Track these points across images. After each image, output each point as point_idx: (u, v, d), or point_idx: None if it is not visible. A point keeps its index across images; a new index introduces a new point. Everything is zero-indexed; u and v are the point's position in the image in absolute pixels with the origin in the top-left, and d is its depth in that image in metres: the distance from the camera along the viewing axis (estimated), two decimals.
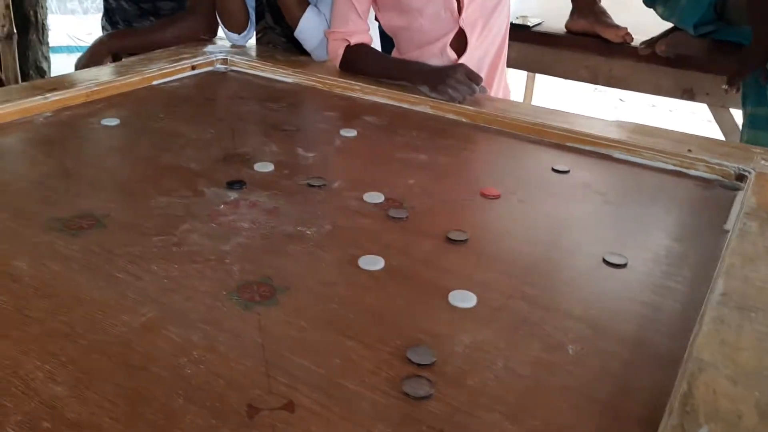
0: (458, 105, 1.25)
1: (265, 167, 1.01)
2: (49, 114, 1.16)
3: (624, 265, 0.80)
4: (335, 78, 1.39)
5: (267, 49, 1.62)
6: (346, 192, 0.95)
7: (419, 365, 0.61)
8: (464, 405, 0.57)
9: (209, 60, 1.47)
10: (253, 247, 0.80)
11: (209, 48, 1.54)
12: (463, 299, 0.71)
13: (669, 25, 1.87)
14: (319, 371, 0.61)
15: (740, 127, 1.79)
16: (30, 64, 2.35)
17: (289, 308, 0.69)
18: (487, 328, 0.68)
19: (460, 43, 1.41)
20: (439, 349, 0.64)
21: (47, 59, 2.50)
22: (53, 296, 0.69)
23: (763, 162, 1.06)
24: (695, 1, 1.72)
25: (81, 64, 1.49)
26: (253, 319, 0.67)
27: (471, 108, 1.25)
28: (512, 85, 1.62)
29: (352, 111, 1.29)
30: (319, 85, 1.39)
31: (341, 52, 1.42)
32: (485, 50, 1.45)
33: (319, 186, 0.96)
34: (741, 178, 1.02)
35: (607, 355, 0.65)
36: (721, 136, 2.07)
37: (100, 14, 1.76)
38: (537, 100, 2.92)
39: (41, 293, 0.69)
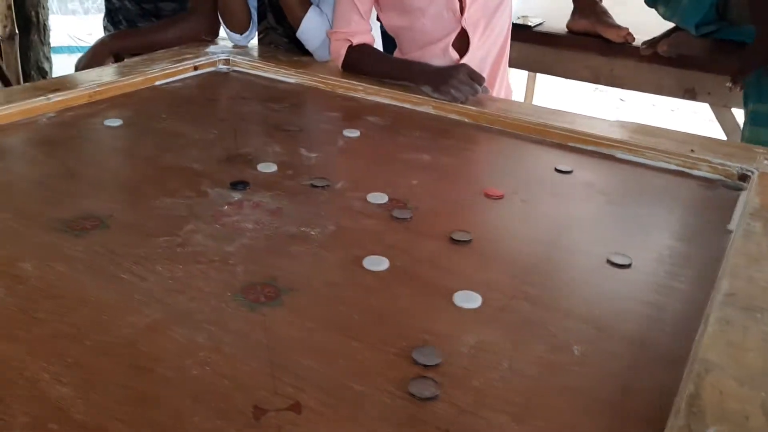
0: (461, 105, 1.25)
1: (268, 168, 1.01)
2: (52, 115, 1.16)
3: (628, 266, 0.80)
4: (337, 78, 1.39)
5: (269, 50, 1.62)
6: (350, 192, 0.95)
7: (425, 366, 0.61)
8: (470, 406, 0.57)
9: (211, 60, 1.47)
10: (257, 248, 0.80)
11: (211, 48, 1.54)
12: (468, 300, 0.71)
13: (670, 24, 1.87)
14: (325, 372, 0.61)
15: (741, 126, 1.79)
16: (31, 64, 2.35)
17: (294, 309, 0.69)
18: (492, 329, 0.68)
19: (462, 43, 1.41)
20: (445, 350, 0.64)
21: (49, 60, 2.50)
22: (58, 297, 0.69)
23: (765, 162, 1.06)
24: (697, 1, 1.72)
25: (82, 65, 1.48)
26: (258, 320, 0.67)
27: (473, 108, 1.25)
28: (513, 84, 1.62)
29: (354, 111, 1.29)
30: (321, 86, 1.39)
31: (343, 52, 1.42)
32: (487, 50, 1.45)
33: (322, 186, 0.96)
34: (744, 178, 1.02)
35: (612, 355, 0.65)
36: (722, 136, 2.07)
37: (101, 14, 1.76)
38: (537, 100, 2.92)
39: (47, 294, 0.69)
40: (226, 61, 1.49)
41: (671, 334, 0.69)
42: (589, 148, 1.13)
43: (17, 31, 2.15)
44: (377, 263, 0.77)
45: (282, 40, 1.63)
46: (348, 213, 0.90)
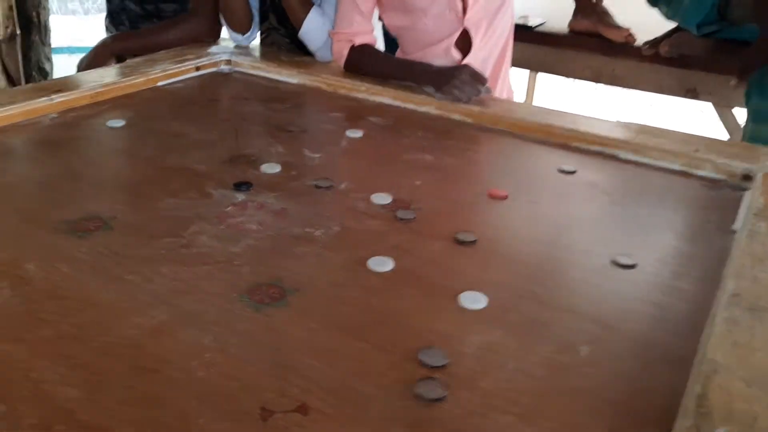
0: (463, 106, 1.25)
1: (271, 168, 1.01)
2: (54, 115, 1.16)
3: (633, 266, 0.80)
4: (340, 79, 1.39)
5: (271, 50, 1.62)
6: (354, 193, 0.95)
7: (431, 367, 0.61)
8: (478, 407, 0.57)
9: (213, 61, 1.47)
10: (262, 249, 0.80)
11: (213, 49, 1.54)
12: (474, 300, 0.71)
13: (672, 24, 1.87)
14: (331, 373, 0.60)
15: (743, 125, 1.79)
16: (32, 65, 2.34)
17: (299, 310, 0.69)
18: (498, 330, 0.68)
19: (464, 43, 1.41)
20: (451, 351, 0.64)
21: (50, 60, 2.49)
22: (63, 298, 0.69)
23: None
24: (698, 2, 1.73)
25: (83, 66, 1.48)
26: (264, 321, 0.67)
27: (476, 108, 1.24)
28: (513, 84, 1.62)
29: (357, 112, 1.29)
30: (323, 86, 1.39)
31: (346, 52, 1.42)
32: (489, 51, 1.45)
33: (326, 187, 0.96)
34: (748, 178, 1.02)
35: (618, 356, 0.65)
36: (724, 135, 2.07)
37: (101, 15, 1.75)
38: (538, 100, 2.92)
39: (51, 295, 0.69)
40: (228, 62, 1.48)
41: (677, 335, 0.69)
42: (593, 148, 1.13)
43: (19, 32, 2.15)
44: (382, 264, 0.77)
45: (284, 40, 1.63)
46: (352, 214, 0.90)
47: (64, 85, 1.24)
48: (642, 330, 0.69)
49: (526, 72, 2.72)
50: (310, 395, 0.58)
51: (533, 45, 2.12)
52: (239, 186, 0.94)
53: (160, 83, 1.35)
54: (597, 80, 2.11)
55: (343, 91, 1.37)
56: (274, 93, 1.37)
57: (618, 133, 1.15)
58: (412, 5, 1.39)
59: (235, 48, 1.58)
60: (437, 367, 0.61)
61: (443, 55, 1.42)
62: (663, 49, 1.85)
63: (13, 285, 0.70)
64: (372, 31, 1.45)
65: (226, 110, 1.29)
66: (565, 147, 1.15)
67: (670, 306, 0.73)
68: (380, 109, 1.30)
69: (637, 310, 0.72)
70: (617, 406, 0.59)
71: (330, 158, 1.08)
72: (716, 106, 2.02)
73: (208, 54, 1.49)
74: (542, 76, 2.68)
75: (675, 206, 0.98)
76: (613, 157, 1.11)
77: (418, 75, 1.33)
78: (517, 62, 1.94)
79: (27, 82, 2.25)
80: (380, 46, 1.55)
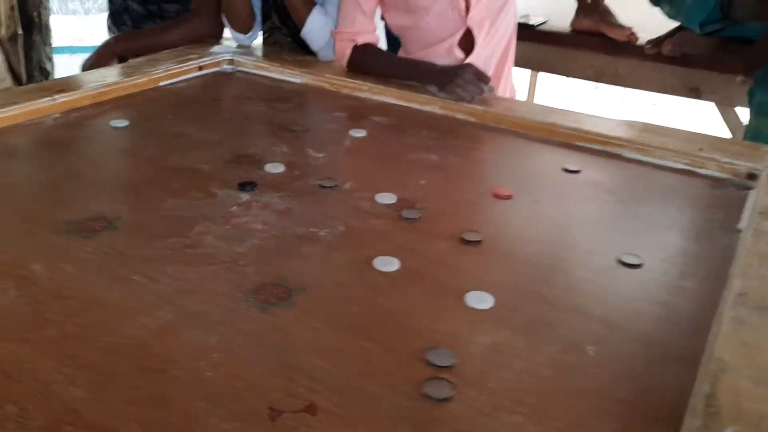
0: (467, 105, 1.25)
1: (275, 168, 1.01)
2: (57, 115, 1.16)
3: (639, 266, 0.79)
4: (343, 78, 1.39)
5: (274, 50, 1.62)
6: (358, 193, 0.95)
7: (438, 367, 0.61)
8: (486, 407, 0.57)
9: (216, 60, 1.47)
10: (267, 249, 0.80)
11: (216, 48, 1.54)
12: (480, 300, 0.71)
13: (674, 23, 1.87)
14: (338, 373, 0.60)
15: (746, 124, 1.79)
16: (34, 64, 2.34)
17: (305, 310, 0.69)
18: (504, 330, 0.67)
19: (467, 42, 1.41)
20: (458, 351, 0.64)
21: (51, 60, 2.49)
22: (69, 299, 0.69)
23: None
24: (701, 1, 1.72)
25: (87, 66, 1.48)
26: (270, 321, 0.67)
27: (480, 108, 1.24)
28: (515, 83, 1.62)
29: (360, 111, 1.29)
30: (326, 86, 1.39)
31: (348, 52, 1.42)
32: (492, 50, 1.45)
33: (330, 187, 0.96)
34: (752, 177, 1.02)
35: (625, 355, 0.65)
36: (726, 134, 2.07)
37: (102, 14, 1.76)
38: (539, 100, 2.92)
39: (57, 296, 0.69)
40: (231, 62, 1.48)
41: (684, 334, 0.69)
42: (596, 147, 1.13)
43: (20, 32, 2.15)
44: (388, 264, 0.77)
45: (286, 40, 1.63)
46: (357, 213, 0.90)
47: (67, 85, 1.24)
48: (649, 330, 0.69)
49: (527, 71, 2.72)
50: (318, 395, 0.57)
51: (535, 44, 2.12)
52: (244, 186, 0.94)
53: (162, 83, 1.34)
54: (599, 79, 2.11)
55: (345, 91, 1.37)
56: (277, 92, 1.37)
57: (622, 132, 1.15)
58: (414, 4, 1.39)
59: (237, 48, 1.58)
60: (444, 367, 0.61)
61: (446, 54, 1.41)
62: (666, 49, 1.85)
63: (18, 285, 0.70)
64: (374, 30, 1.44)
65: (229, 110, 1.28)
66: (569, 146, 1.14)
67: (676, 305, 0.73)
68: (383, 108, 1.30)
69: (644, 309, 0.72)
70: (624, 406, 0.59)
71: (334, 158, 1.08)
72: (719, 105, 2.02)
73: (211, 54, 1.49)
74: (543, 76, 2.68)
75: (679, 205, 0.98)
76: (617, 156, 1.11)
77: (421, 74, 1.33)
78: (518, 61, 1.94)
79: (29, 82, 2.25)
80: (382, 45, 1.55)
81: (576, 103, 4.19)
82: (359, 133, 1.16)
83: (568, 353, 0.65)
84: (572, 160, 1.08)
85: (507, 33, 1.47)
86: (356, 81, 1.37)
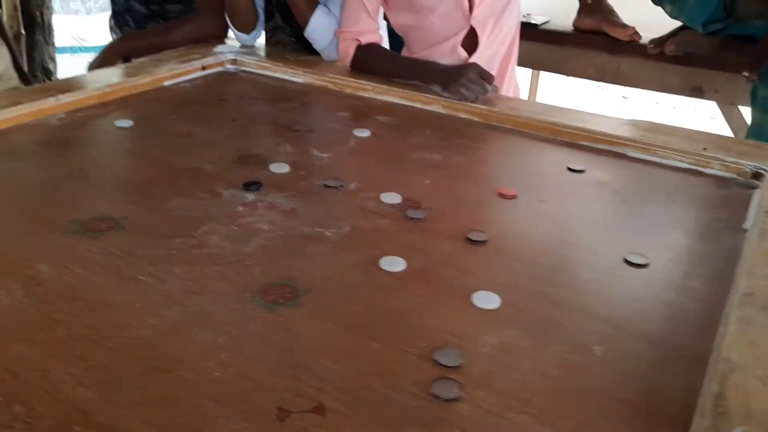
0: (471, 104, 1.25)
1: (280, 168, 1.01)
2: (62, 116, 1.16)
3: (645, 265, 0.79)
4: (346, 78, 1.39)
5: (277, 49, 1.62)
6: (363, 193, 0.95)
7: (447, 367, 0.61)
8: (494, 407, 0.57)
9: (219, 60, 1.47)
10: (274, 249, 0.80)
11: (219, 48, 1.54)
12: (487, 300, 0.71)
13: (677, 22, 1.87)
14: (346, 373, 0.60)
15: (749, 123, 1.79)
16: (36, 64, 2.34)
17: (312, 310, 0.69)
18: (512, 330, 0.67)
19: (471, 42, 1.41)
20: (466, 351, 0.64)
21: (53, 60, 2.50)
22: (76, 299, 0.69)
23: None
24: (703, 0, 1.72)
25: (93, 68, 1.49)
26: (277, 322, 0.67)
27: (484, 107, 1.24)
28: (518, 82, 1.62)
29: (364, 111, 1.29)
30: (330, 85, 1.39)
31: (352, 51, 1.42)
32: (496, 49, 1.45)
33: (335, 187, 0.96)
34: (757, 176, 1.02)
35: (631, 355, 0.65)
36: (727, 133, 2.07)
37: (103, 14, 1.76)
38: (540, 98, 2.92)
39: (64, 296, 0.69)
40: (234, 61, 1.48)
41: (689, 334, 0.69)
42: (601, 146, 1.13)
43: (23, 32, 2.15)
44: (394, 264, 0.77)
45: (289, 39, 1.63)
46: (362, 213, 0.90)
47: (71, 85, 1.24)
48: (656, 329, 0.69)
49: (528, 71, 2.72)
50: (326, 395, 0.57)
51: (537, 43, 2.12)
52: (249, 186, 0.94)
53: (166, 83, 1.35)
54: (601, 79, 2.11)
55: (349, 90, 1.37)
56: (281, 92, 1.37)
57: (626, 131, 1.15)
58: (419, 4, 1.39)
59: (240, 47, 1.58)
60: (452, 367, 0.61)
61: (450, 53, 1.41)
62: (668, 48, 1.85)
63: (25, 286, 0.70)
64: (378, 29, 1.45)
65: (232, 110, 1.28)
66: (574, 145, 1.14)
67: (683, 305, 0.73)
68: (387, 108, 1.30)
69: (650, 309, 0.72)
70: (632, 406, 0.59)
71: (338, 158, 1.08)
72: (721, 104, 2.02)
73: (214, 53, 1.49)
74: (544, 75, 2.68)
75: (684, 205, 0.98)
76: (622, 156, 1.11)
77: (424, 74, 1.33)
78: (520, 60, 1.94)
79: (31, 82, 2.25)
80: (385, 45, 1.55)
81: (577, 102, 4.19)
82: (363, 133, 1.16)
83: (575, 353, 0.65)
84: (577, 160, 1.08)
85: (510, 32, 1.47)
86: (359, 80, 1.37)
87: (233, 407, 0.56)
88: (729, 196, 1.00)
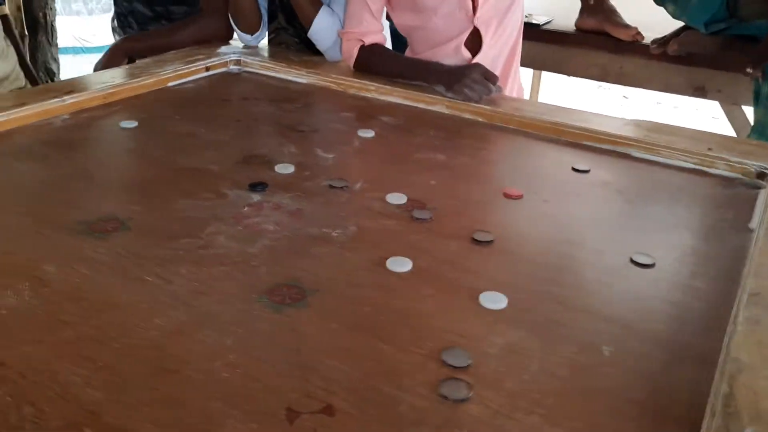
0: (475, 105, 1.25)
1: (285, 169, 1.01)
2: (66, 117, 1.16)
3: (652, 266, 0.79)
4: (350, 78, 1.39)
5: (280, 50, 1.62)
6: (368, 193, 0.95)
7: (455, 367, 0.61)
8: (504, 407, 0.57)
9: (223, 61, 1.47)
10: (280, 250, 0.80)
11: (222, 49, 1.54)
12: (494, 301, 0.71)
13: (679, 22, 1.87)
14: (355, 374, 0.60)
15: (752, 123, 1.79)
16: (39, 65, 2.35)
17: (319, 311, 0.69)
18: (519, 330, 0.67)
19: (474, 42, 1.41)
20: (474, 351, 0.64)
21: (56, 61, 2.50)
22: (83, 300, 0.69)
23: None
24: (706, 0, 1.72)
25: (99, 69, 1.49)
26: (284, 322, 0.67)
27: (487, 107, 1.24)
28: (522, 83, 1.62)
29: (367, 111, 1.29)
30: (333, 86, 1.39)
31: (355, 52, 1.41)
32: (499, 50, 1.45)
33: (341, 187, 0.96)
34: (762, 176, 1.02)
35: (639, 355, 0.65)
36: (730, 133, 2.06)
37: (105, 15, 1.76)
38: (543, 99, 2.92)
39: (71, 297, 0.69)
40: (238, 62, 1.48)
41: (696, 334, 0.69)
42: (605, 146, 1.13)
43: (26, 33, 2.15)
44: (400, 264, 0.77)
45: (293, 40, 1.63)
46: (368, 214, 0.90)
47: (75, 86, 1.24)
48: (663, 329, 0.69)
49: (530, 71, 2.72)
50: (335, 396, 0.57)
51: (539, 43, 2.12)
52: (254, 186, 0.94)
53: (170, 84, 1.35)
54: (604, 79, 2.11)
55: (353, 91, 1.37)
56: (284, 93, 1.37)
57: (630, 131, 1.15)
58: (422, 4, 1.39)
59: (243, 48, 1.58)
60: (461, 368, 0.61)
61: (453, 54, 1.41)
62: (671, 48, 1.85)
63: (32, 286, 0.70)
64: (381, 30, 1.44)
65: (236, 110, 1.28)
66: (578, 145, 1.14)
67: (690, 305, 0.73)
68: (391, 108, 1.30)
69: (658, 309, 0.72)
70: (639, 406, 0.59)
71: (343, 158, 1.08)
72: (724, 104, 2.01)
73: (218, 54, 1.49)
74: (545, 75, 2.68)
75: (689, 205, 0.97)
76: (626, 156, 1.11)
77: (428, 74, 1.33)
78: (522, 61, 1.94)
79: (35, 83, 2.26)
80: (388, 45, 1.55)
81: (578, 102, 4.18)
82: (367, 134, 1.16)
83: (582, 354, 0.65)
84: (581, 160, 1.08)
85: (514, 32, 1.47)
86: (363, 81, 1.37)
87: (241, 408, 0.56)
88: (734, 196, 0.99)
